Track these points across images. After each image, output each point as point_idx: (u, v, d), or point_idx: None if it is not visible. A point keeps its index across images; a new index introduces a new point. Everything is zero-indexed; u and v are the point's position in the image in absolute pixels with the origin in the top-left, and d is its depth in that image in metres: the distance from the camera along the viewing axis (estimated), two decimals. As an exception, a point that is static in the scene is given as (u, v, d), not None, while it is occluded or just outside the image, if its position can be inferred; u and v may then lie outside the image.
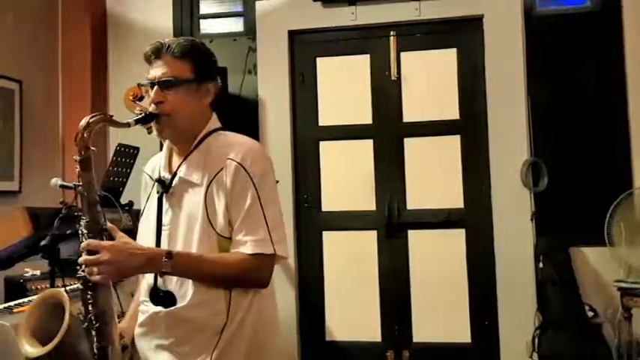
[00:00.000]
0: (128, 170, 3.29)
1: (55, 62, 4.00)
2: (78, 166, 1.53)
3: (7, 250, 2.51)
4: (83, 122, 1.53)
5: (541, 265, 3.53)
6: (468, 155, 3.73)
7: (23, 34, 3.73)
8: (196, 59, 1.65)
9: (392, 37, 3.71)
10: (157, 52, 1.65)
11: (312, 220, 3.84)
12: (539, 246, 3.56)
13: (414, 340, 3.71)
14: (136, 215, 1.86)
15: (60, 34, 4.03)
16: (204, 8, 4.15)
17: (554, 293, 3.49)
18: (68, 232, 2.22)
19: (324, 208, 3.85)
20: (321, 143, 3.89)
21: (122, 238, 1.54)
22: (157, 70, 1.63)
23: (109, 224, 1.56)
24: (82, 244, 1.49)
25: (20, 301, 2.63)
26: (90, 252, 1.47)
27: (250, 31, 4.00)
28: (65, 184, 2.50)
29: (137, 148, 3.34)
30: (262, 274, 1.61)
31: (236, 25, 4.10)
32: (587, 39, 3.64)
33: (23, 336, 1.51)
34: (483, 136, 3.68)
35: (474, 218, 3.70)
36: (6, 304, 2.57)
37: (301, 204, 3.85)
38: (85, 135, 1.51)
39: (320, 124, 3.91)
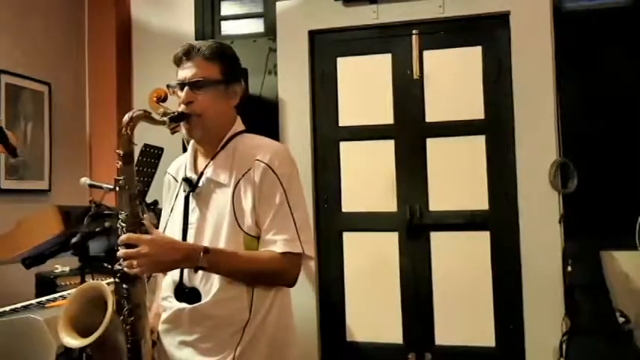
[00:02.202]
0: (153, 170, 3.36)
1: (82, 65, 4.11)
2: (120, 161, 1.61)
3: (39, 247, 2.58)
4: (126, 118, 1.61)
5: (569, 268, 3.43)
6: (493, 156, 3.63)
7: (52, 39, 3.83)
8: (225, 61, 1.72)
9: (414, 36, 3.62)
10: (188, 54, 1.70)
11: (332, 221, 3.82)
12: (567, 249, 3.45)
13: (436, 342, 3.66)
14: (161, 215, 1.90)
15: (87, 39, 4.14)
16: (224, 10, 4.17)
17: (583, 298, 3.39)
18: (97, 229, 2.29)
19: (345, 209, 3.83)
20: (342, 144, 3.86)
21: (159, 232, 1.62)
22: (187, 72, 1.69)
23: (146, 220, 1.62)
24: (122, 237, 1.55)
25: (52, 296, 2.73)
26: (128, 245, 1.53)
27: (270, 31, 3.99)
28: (94, 183, 2.57)
29: (162, 149, 3.40)
30: (291, 273, 1.66)
31: (256, 26, 4.10)
32: (618, 36, 3.48)
33: (63, 327, 1.56)
34: (509, 137, 3.58)
35: (499, 220, 3.60)
36: (38, 299, 2.67)
37: (321, 205, 3.83)
38: (128, 130, 1.60)
39: (340, 124, 3.87)
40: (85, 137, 4.12)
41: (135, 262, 1.52)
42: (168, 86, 1.77)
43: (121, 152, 1.61)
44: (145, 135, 2.94)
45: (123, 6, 4.18)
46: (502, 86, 3.61)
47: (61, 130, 3.86)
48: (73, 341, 1.57)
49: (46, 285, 3.14)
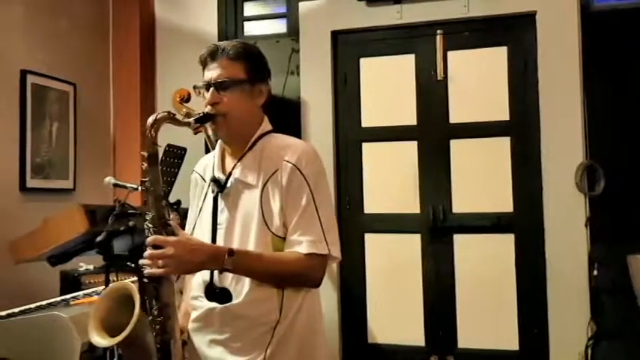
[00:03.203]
0: (176, 170, 3.37)
1: (106, 66, 4.15)
2: (145, 162, 1.63)
3: (65, 245, 2.62)
4: (150, 120, 1.63)
5: (595, 272, 3.37)
6: (518, 157, 3.59)
7: (77, 40, 3.87)
8: (249, 61, 1.72)
9: (438, 36, 3.58)
10: (213, 55, 1.71)
11: (353, 222, 3.79)
12: (593, 253, 3.39)
13: (459, 345, 3.63)
14: (185, 214, 1.91)
15: (111, 39, 4.17)
16: (247, 10, 4.17)
17: (610, 302, 3.33)
18: (122, 228, 2.31)
19: (367, 210, 3.80)
20: (364, 145, 3.84)
21: (185, 234, 1.63)
22: (213, 73, 1.70)
23: (172, 220, 1.63)
24: (149, 239, 1.57)
25: (76, 294, 2.77)
26: (155, 247, 1.54)
27: (293, 32, 3.98)
28: (118, 182, 2.59)
29: (185, 149, 3.41)
30: (316, 274, 1.67)
31: (279, 26, 4.09)
32: (648, 36, 3.42)
33: (92, 326, 1.59)
34: (535, 138, 3.53)
35: (524, 223, 3.56)
36: (63, 297, 2.70)
37: (343, 206, 3.81)
38: (153, 132, 1.62)
39: (363, 125, 3.85)
40: (109, 137, 4.16)
41: (160, 262, 1.53)
42: (194, 87, 1.78)
43: (146, 154, 1.63)
44: (167, 135, 2.97)
45: (147, 7, 4.21)
46: (528, 87, 3.57)
47: (86, 130, 3.90)
48: (102, 340, 1.59)
49: (71, 283, 3.17)
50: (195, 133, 3.11)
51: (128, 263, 2.41)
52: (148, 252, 1.55)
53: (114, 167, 4.10)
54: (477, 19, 3.62)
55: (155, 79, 4.24)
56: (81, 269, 3.19)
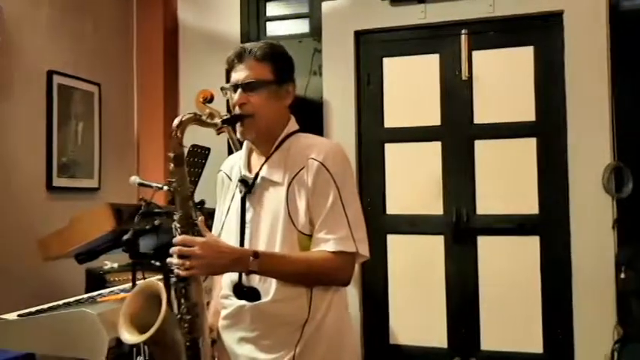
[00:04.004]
0: (200, 170, 3.40)
1: (130, 66, 4.19)
2: (172, 163, 1.64)
3: (92, 243, 2.64)
4: (176, 121, 1.65)
5: (622, 275, 3.32)
6: (544, 159, 3.55)
7: (102, 40, 3.91)
8: (276, 61, 1.73)
9: (463, 36, 3.57)
10: (240, 57, 1.72)
11: (376, 223, 3.75)
12: (620, 255, 3.33)
13: (482, 347, 3.60)
14: (209, 214, 1.92)
15: (135, 40, 4.21)
16: (270, 10, 4.18)
17: (637, 305, 3.28)
18: (147, 227, 2.34)
19: (389, 211, 3.79)
20: (387, 145, 3.82)
21: (212, 236, 1.65)
22: (240, 74, 1.71)
23: (199, 220, 1.64)
24: (176, 239, 1.59)
25: (102, 291, 2.79)
26: (183, 247, 1.56)
27: (316, 32, 3.98)
28: (143, 181, 2.60)
29: (208, 149, 3.43)
30: (344, 273, 1.67)
31: (302, 26, 4.10)
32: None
33: (122, 324, 1.61)
34: (561, 139, 3.49)
35: (549, 225, 3.52)
36: (90, 294, 2.73)
37: (364, 206, 3.77)
38: (179, 133, 1.64)
39: (386, 125, 3.84)
40: (133, 137, 4.19)
41: (187, 263, 1.54)
42: (221, 89, 1.78)
43: (173, 155, 1.64)
44: (190, 135, 2.98)
45: (170, 8, 4.24)
46: (554, 87, 3.52)
47: (110, 129, 3.94)
48: (131, 337, 1.61)
49: (96, 280, 3.21)
50: (219, 134, 3.12)
51: (153, 262, 2.44)
52: (176, 249, 1.56)
53: (137, 166, 4.13)
54: (503, 19, 3.59)
55: (178, 79, 4.27)
56: (106, 267, 3.22)
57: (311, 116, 3.81)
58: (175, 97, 4.25)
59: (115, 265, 3.23)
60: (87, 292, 3.11)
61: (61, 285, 3.24)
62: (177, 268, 1.57)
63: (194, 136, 2.83)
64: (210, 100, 3.52)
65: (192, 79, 4.14)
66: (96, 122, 3.82)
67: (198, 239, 1.57)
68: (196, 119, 1.68)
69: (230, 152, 3.41)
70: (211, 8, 4.22)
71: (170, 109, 4.17)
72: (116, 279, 3.17)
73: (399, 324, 3.77)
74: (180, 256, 1.55)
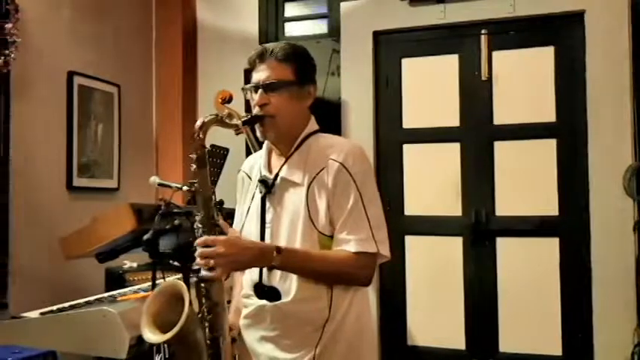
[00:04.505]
0: (219, 170, 3.41)
1: (149, 67, 4.22)
2: (194, 164, 1.65)
3: (112, 242, 2.67)
4: (198, 123, 1.66)
5: (644, 277, 3.29)
6: (564, 160, 3.52)
7: (122, 42, 3.94)
8: (298, 62, 1.73)
9: (483, 36, 3.55)
10: (261, 57, 1.73)
11: (394, 224, 3.71)
12: (641, 258, 3.31)
13: (500, 349, 3.58)
14: (228, 214, 1.93)
15: (154, 41, 4.25)
16: (288, 11, 4.20)
17: (658, 308, 3.25)
18: (167, 227, 2.35)
19: (407, 212, 3.78)
20: (405, 146, 3.81)
21: (234, 233, 1.67)
22: (261, 74, 1.71)
23: (220, 220, 1.66)
24: (199, 239, 1.60)
25: (122, 290, 2.81)
26: (205, 246, 1.57)
27: (334, 32, 3.98)
28: (163, 182, 2.62)
29: (227, 149, 3.45)
30: (365, 273, 1.67)
31: (320, 27, 4.11)
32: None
33: (145, 323, 1.63)
34: (582, 140, 3.46)
35: (569, 227, 3.49)
36: (110, 293, 2.75)
37: (383, 207, 3.76)
38: (201, 135, 1.64)
39: (404, 126, 3.83)
40: (152, 137, 4.22)
41: (211, 262, 1.55)
42: (243, 89, 1.79)
43: (195, 156, 1.65)
44: (208, 135, 3.00)
45: (189, 9, 4.26)
46: (575, 88, 3.49)
47: (130, 130, 3.96)
48: (153, 336, 1.62)
49: (115, 280, 3.23)
50: (237, 134, 3.12)
51: (171, 262, 2.46)
52: (199, 250, 1.57)
53: (156, 167, 4.16)
54: (523, 19, 3.57)
55: (197, 80, 4.30)
56: (125, 266, 3.25)
57: (329, 117, 3.79)
58: (194, 98, 4.27)
59: (135, 264, 3.25)
60: (106, 290, 3.13)
61: (80, 284, 3.27)
62: (202, 268, 1.57)
63: (212, 136, 2.84)
64: (229, 100, 3.53)
65: (210, 80, 4.16)
66: (115, 123, 3.85)
67: (220, 238, 1.58)
68: (218, 120, 1.68)
69: (248, 152, 3.42)
70: (230, 9, 4.24)
71: (188, 110, 4.20)
72: (135, 278, 3.20)
73: (416, 325, 3.76)
74: (205, 254, 1.56)
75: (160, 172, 4.02)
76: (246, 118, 1.70)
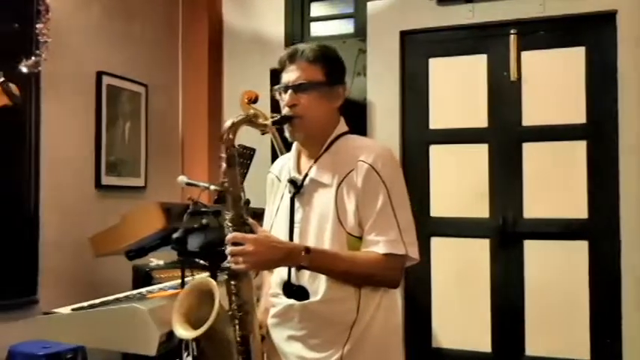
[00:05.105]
0: (245, 170, 3.42)
1: (175, 67, 4.26)
2: (224, 163, 1.65)
3: (142, 241, 2.70)
4: (228, 123, 1.66)
5: (675, 282, 3.23)
6: (594, 162, 3.47)
7: (149, 42, 3.98)
8: (328, 63, 1.73)
9: (512, 36, 3.51)
10: (292, 58, 1.73)
11: (419, 225, 3.69)
12: (673, 262, 3.26)
13: (527, 353, 3.55)
14: (254, 214, 1.94)
15: (180, 41, 4.28)
16: (314, 11, 4.19)
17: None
18: (196, 226, 2.37)
19: (433, 213, 3.75)
20: (432, 147, 3.79)
21: (263, 232, 1.65)
22: (291, 75, 1.71)
23: (250, 220, 1.65)
24: (228, 237, 1.60)
25: (150, 288, 2.83)
26: (235, 244, 1.57)
27: (360, 32, 3.97)
28: (191, 181, 2.64)
29: (254, 150, 3.45)
30: (394, 275, 1.66)
31: (346, 26, 4.10)
32: None
33: (176, 319, 1.64)
34: (613, 142, 3.41)
35: (599, 230, 3.44)
36: (139, 290, 2.78)
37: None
38: (231, 135, 1.64)
39: (431, 127, 3.81)
40: (178, 137, 4.25)
41: (240, 259, 1.56)
42: (272, 89, 1.79)
43: (225, 156, 1.65)
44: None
45: (215, 9, 4.29)
46: (606, 89, 3.44)
47: (156, 129, 4.00)
48: (185, 332, 1.64)
49: (142, 277, 3.27)
50: (263, 134, 3.12)
51: (197, 259, 2.47)
52: (229, 248, 1.58)
53: (182, 166, 4.19)
54: (554, 19, 3.52)
55: (222, 80, 4.31)
56: (152, 264, 3.28)
57: (354, 118, 3.77)
58: (219, 98, 4.30)
59: (161, 262, 3.28)
60: (133, 288, 3.17)
61: (108, 281, 3.31)
62: (231, 264, 1.58)
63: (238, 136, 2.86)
64: (255, 100, 3.53)
65: (236, 80, 4.18)
66: (142, 122, 3.88)
67: (249, 236, 1.59)
68: (247, 120, 1.69)
69: (274, 153, 3.42)
70: (256, 9, 4.25)
71: (214, 110, 4.22)
72: (162, 276, 3.23)
73: (441, 327, 3.74)
74: (234, 252, 1.57)
75: (186, 171, 4.05)
76: (275, 119, 1.71)
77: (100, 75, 3.54)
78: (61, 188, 3.24)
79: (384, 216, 1.63)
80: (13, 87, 1.60)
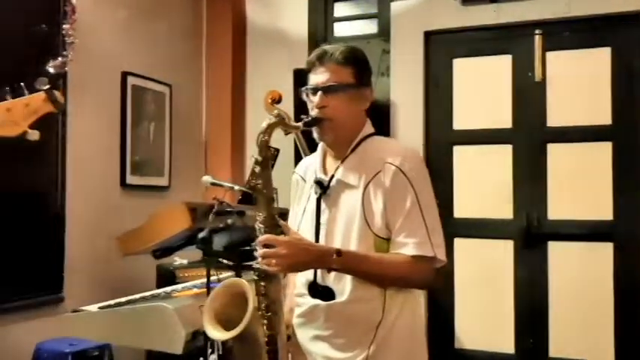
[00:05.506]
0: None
1: (199, 67, 4.28)
2: (258, 165, 1.65)
3: (168, 240, 2.72)
4: (264, 124, 1.67)
5: (703, 285, 3.19)
6: (619, 163, 3.44)
7: (173, 42, 4.01)
8: (357, 65, 1.74)
9: (537, 36, 3.48)
10: (321, 59, 1.73)
11: (443, 226, 3.71)
12: (700, 265, 3.21)
13: (550, 354, 3.52)
14: (278, 215, 1.95)
15: (204, 42, 4.29)
16: (338, 11, 4.19)
17: None
18: (221, 225, 2.39)
19: (457, 214, 3.74)
20: (455, 147, 3.78)
21: (295, 234, 1.67)
22: (321, 77, 1.72)
23: (282, 221, 1.67)
24: (260, 238, 1.62)
25: (175, 287, 2.86)
26: (266, 245, 1.58)
27: (384, 32, 3.96)
28: (216, 181, 2.66)
29: (278, 150, 3.46)
30: (422, 276, 1.67)
31: (370, 27, 4.09)
32: None
33: (207, 320, 1.65)
34: (638, 143, 3.37)
35: (624, 232, 3.41)
36: (164, 289, 2.81)
37: (434, 209, 3.76)
38: (266, 136, 1.65)
39: (455, 127, 3.79)
40: (202, 137, 4.27)
41: (273, 261, 1.56)
42: (301, 90, 1.79)
43: (260, 157, 1.65)
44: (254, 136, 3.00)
45: (238, 9, 4.29)
46: (632, 90, 3.41)
47: (180, 129, 4.02)
48: (217, 333, 1.65)
49: (166, 276, 3.30)
50: (286, 134, 3.13)
51: (222, 259, 2.49)
52: (261, 250, 1.59)
53: (205, 166, 4.21)
54: (579, 19, 3.50)
55: (245, 80, 4.32)
56: (175, 263, 3.30)
57: (377, 118, 3.75)
58: (243, 98, 4.30)
59: (185, 261, 3.30)
60: (157, 287, 3.20)
61: (132, 279, 3.34)
62: (263, 266, 1.59)
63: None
64: (279, 101, 3.54)
65: (259, 80, 4.18)
66: (167, 122, 3.91)
67: (281, 238, 1.60)
68: (281, 122, 1.69)
69: (297, 153, 3.43)
70: (279, 9, 4.26)
71: (238, 110, 4.24)
72: (185, 275, 3.25)
73: (465, 328, 3.73)
74: (267, 254, 1.58)
75: (209, 171, 4.06)
76: (306, 120, 1.71)
77: (125, 75, 3.57)
78: (86, 187, 3.28)
79: (413, 218, 1.63)
80: (58, 94, 1.61)
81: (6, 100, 1.58)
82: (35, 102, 1.57)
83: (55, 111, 1.64)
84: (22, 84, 1.60)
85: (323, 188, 1.73)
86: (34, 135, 1.54)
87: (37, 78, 1.62)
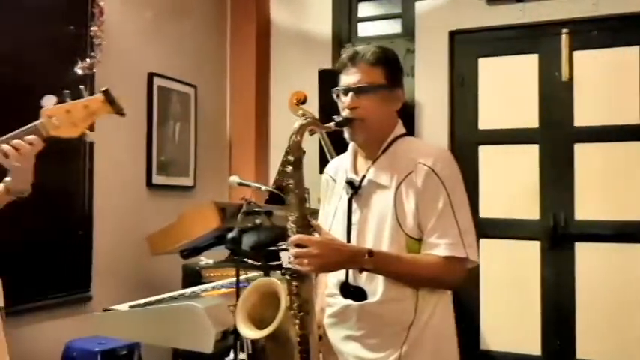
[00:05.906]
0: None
1: (224, 68, 4.30)
2: (290, 166, 1.67)
3: (197, 240, 2.75)
4: (296, 125, 1.69)
5: None
6: (648, 163, 3.40)
7: (198, 43, 4.03)
8: (388, 66, 1.74)
9: (564, 35, 3.45)
10: (353, 60, 1.73)
11: (471, 227, 3.72)
12: None
13: (577, 356, 3.49)
14: (310, 214, 1.96)
15: (228, 42, 4.32)
16: (362, 11, 4.19)
17: None
18: (249, 225, 2.41)
19: (482, 214, 3.70)
20: (481, 147, 3.75)
21: (327, 234, 1.67)
22: (352, 77, 1.72)
23: (313, 222, 1.67)
24: (292, 238, 1.62)
25: (203, 287, 2.89)
26: (299, 246, 1.58)
27: (408, 32, 3.95)
28: (243, 181, 2.68)
29: (304, 150, 3.45)
30: (455, 277, 1.68)
31: (394, 26, 4.08)
32: None
33: (240, 319, 1.66)
34: (668, 143, 3.34)
35: (653, 232, 3.37)
36: (193, 289, 2.84)
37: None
38: (298, 137, 1.66)
39: (480, 127, 3.77)
40: (226, 137, 4.30)
41: (305, 261, 1.57)
42: (332, 91, 1.79)
43: (292, 158, 1.66)
44: (281, 137, 3.01)
45: (263, 10, 4.31)
46: (662, 89, 3.37)
47: (205, 130, 4.05)
48: (250, 332, 1.66)
49: (192, 276, 3.32)
50: (311, 134, 3.13)
51: (250, 259, 2.50)
52: (293, 250, 1.59)
53: (229, 166, 4.23)
54: (607, 18, 3.46)
55: (269, 80, 4.33)
56: (201, 263, 3.33)
57: (402, 118, 3.76)
58: (267, 98, 4.32)
59: (211, 261, 3.33)
60: (183, 286, 3.22)
61: (159, 278, 3.37)
62: (295, 266, 1.59)
63: (284, 137, 2.87)
64: (304, 101, 3.55)
65: (283, 80, 4.19)
66: (192, 123, 3.94)
67: (314, 238, 1.60)
68: (314, 123, 1.72)
69: (322, 153, 3.43)
70: (303, 9, 4.26)
71: (262, 110, 4.25)
72: (211, 274, 3.27)
73: (491, 329, 3.70)
74: (299, 254, 1.58)
75: (233, 171, 4.08)
76: (339, 121, 1.71)
77: (151, 76, 3.60)
78: (114, 187, 3.31)
79: (445, 219, 1.63)
80: (116, 96, 1.61)
81: (65, 102, 1.60)
82: (94, 104, 1.58)
83: (114, 112, 1.65)
84: (81, 87, 1.61)
85: (354, 189, 1.73)
86: (91, 137, 1.55)
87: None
